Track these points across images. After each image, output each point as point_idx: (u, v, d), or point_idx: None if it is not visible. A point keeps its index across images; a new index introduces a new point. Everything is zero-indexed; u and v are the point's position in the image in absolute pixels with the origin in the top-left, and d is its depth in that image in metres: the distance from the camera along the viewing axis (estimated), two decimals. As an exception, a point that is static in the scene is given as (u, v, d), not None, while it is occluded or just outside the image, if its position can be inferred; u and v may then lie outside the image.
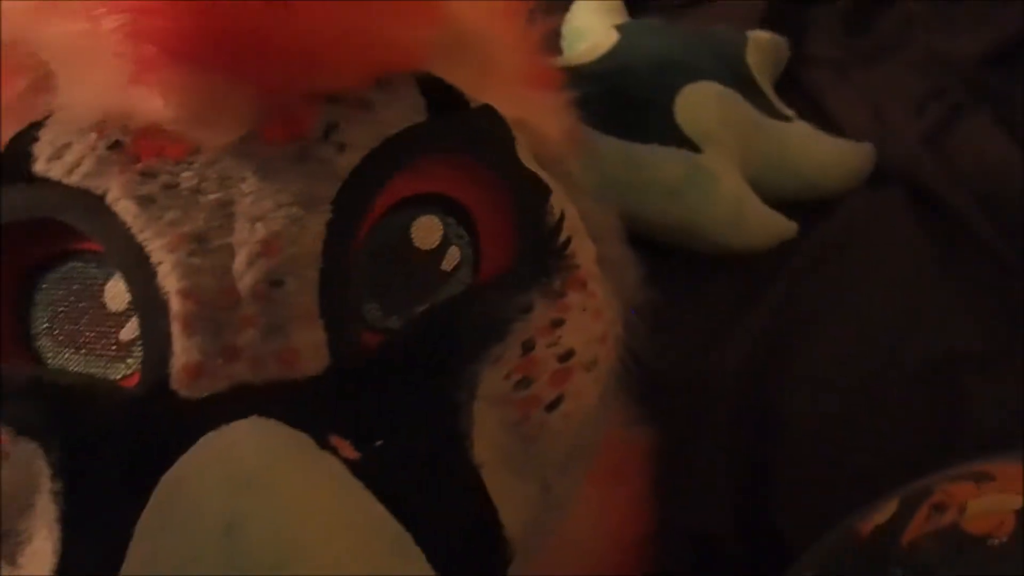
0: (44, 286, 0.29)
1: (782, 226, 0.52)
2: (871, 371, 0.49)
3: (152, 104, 0.26)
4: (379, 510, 0.23)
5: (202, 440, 0.22)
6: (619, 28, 0.58)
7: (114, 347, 0.27)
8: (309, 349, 0.26)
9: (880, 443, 0.46)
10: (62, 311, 0.28)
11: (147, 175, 0.26)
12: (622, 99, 0.51)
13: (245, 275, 0.26)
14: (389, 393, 0.26)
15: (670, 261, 0.51)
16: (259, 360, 0.25)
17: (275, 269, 0.26)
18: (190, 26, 0.25)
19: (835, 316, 0.51)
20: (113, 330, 0.28)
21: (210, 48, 0.26)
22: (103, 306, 0.28)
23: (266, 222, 0.26)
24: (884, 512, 0.30)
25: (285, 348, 0.26)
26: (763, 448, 0.46)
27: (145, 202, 0.26)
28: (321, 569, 0.21)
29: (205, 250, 0.26)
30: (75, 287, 0.28)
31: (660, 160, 0.49)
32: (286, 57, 0.27)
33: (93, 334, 0.28)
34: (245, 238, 0.26)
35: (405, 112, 0.29)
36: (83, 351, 0.28)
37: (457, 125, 0.31)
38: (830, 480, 0.44)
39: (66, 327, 0.28)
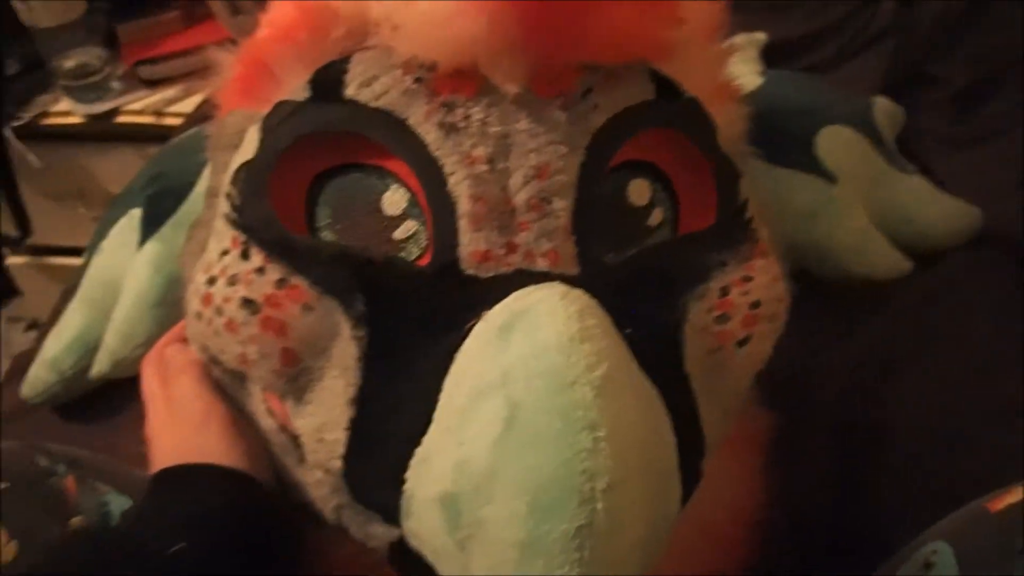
0: (328, 189, 0.35)
1: (900, 263, 0.58)
2: (967, 402, 0.53)
3: (466, 48, 0.33)
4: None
5: (524, 291, 0.28)
6: (763, 74, 0.64)
7: (387, 244, 0.34)
8: (567, 256, 0.32)
9: (973, 466, 0.50)
10: (343, 211, 0.35)
11: (447, 107, 0.33)
12: (767, 129, 0.57)
13: (521, 191, 0.32)
14: (626, 301, 0.32)
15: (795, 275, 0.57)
16: (531, 255, 0.32)
17: (545, 189, 0.32)
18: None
19: (938, 350, 0.56)
20: (388, 230, 0.34)
21: (519, 16, 0.32)
22: (380, 210, 0.34)
23: (538, 153, 0.33)
24: (1014, 494, 0.34)
25: (551, 250, 0.32)
26: (866, 453, 0.51)
27: (446, 127, 0.33)
28: (626, 388, 0.26)
29: (492, 168, 0.32)
30: (357, 193, 0.35)
31: (799, 184, 0.55)
32: (566, 32, 0.34)
33: (370, 232, 0.34)
34: (521, 163, 0.33)
35: (641, 90, 0.36)
36: (360, 244, 0.34)
37: (677, 108, 0.37)
38: (929, 491, 0.49)
39: (346, 224, 0.35)
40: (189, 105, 0.94)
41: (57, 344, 0.55)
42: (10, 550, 0.31)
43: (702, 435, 0.32)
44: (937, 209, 0.61)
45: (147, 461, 0.39)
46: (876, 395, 0.53)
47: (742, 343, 0.34)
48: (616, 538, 0.24)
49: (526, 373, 0.25)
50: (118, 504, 0.38)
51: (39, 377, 0.55)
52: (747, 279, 0.35)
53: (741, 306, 0.34)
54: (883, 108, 0.67)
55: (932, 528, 0.37)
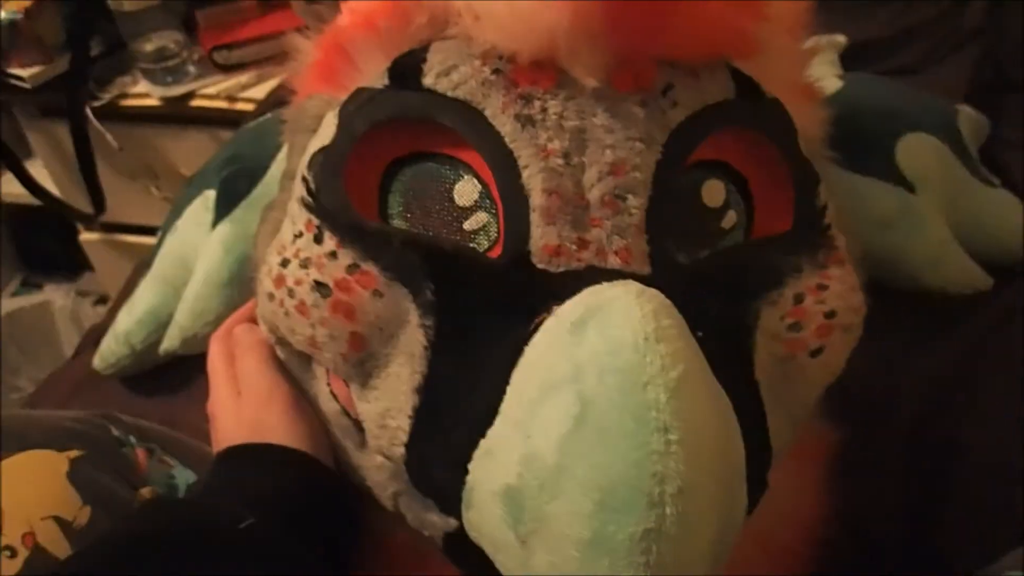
0: (402, 177, 0.35)
1: (979, 277, 0.55)
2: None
3: (546, 40, 0.33)
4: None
5: (599, 287, 0.27)
6: (843, 77, 0.62)
7: (458, 234, 0.34)
8: (639, 254, 0.31)
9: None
10: (415, 199, 0.35)
11: (525, 99, 0.33)
12: (845, 134, 0.55)
13: (596, 187, 0.32)
14: (697, 303, 0.31)
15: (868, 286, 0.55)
16: (603, 252, 0.31)
17: (620, 186, 0.32)
18: None
19: (1016, 370, 0.53)
20: (459, 221, 0.34)
21: (601, 9, 0.32)
22: (452, 200, 0.34)
23: (614, 149, 0.32)
24: None
25: (623, 248, 0.31)
26: (937, 474, 0.49)
27: (522, 119, 0.32)
28: (700, 392, 0.26)
29: (567, 163, 0.32)
30: (430, 182, 0.35)
31: (877, 193, 0.54)
32: (648, 27, 0.33)
33: (441, 221, 0.34)
34: (597, 158, 0.32)
35: (720, 88, 0.35)
36: (431, 233, 0.34)
37: (758, 108, 0.36)
38: (1001, 517, 0.47)
39: (418, 213, 0.35)
40: (261, 91, 0.96)
41: (129, 318, 0.57)
42: (84, 515, 0.32)
43: (769, 444, 0.31)
44: (1019, 223, 0.59)
45: (209, 437, 0.40)
46: (951, 414, 0.52)
47: (815, 353, 0.33)
48: (684, 544, 0.23)
49: (599, 370, 0.25)
50: (184, 478, 0.39)
51: (111, 349, 0.57)
52: (823, 287, 0.34)
53: (815, 315, 0.33)
54: (967, 116, 0.64)
55: (1009, 556, 0.36)
